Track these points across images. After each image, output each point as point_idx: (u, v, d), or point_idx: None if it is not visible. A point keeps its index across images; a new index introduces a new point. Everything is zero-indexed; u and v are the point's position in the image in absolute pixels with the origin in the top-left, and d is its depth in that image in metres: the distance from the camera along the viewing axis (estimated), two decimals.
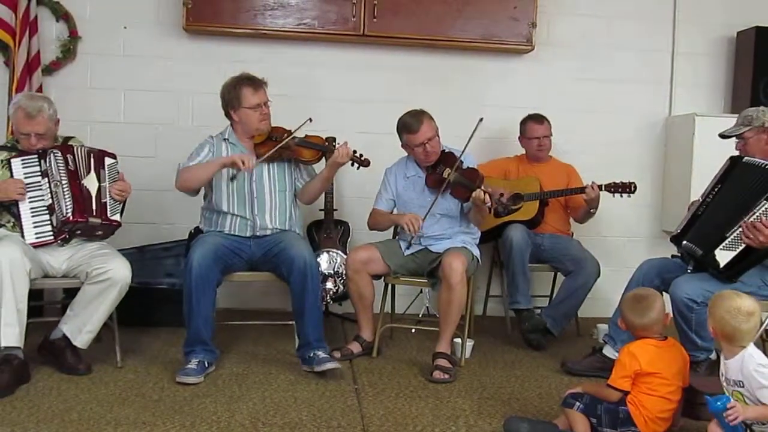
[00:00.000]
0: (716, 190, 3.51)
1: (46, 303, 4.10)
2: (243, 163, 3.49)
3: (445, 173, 3.76)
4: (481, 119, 3.72)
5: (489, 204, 3.59)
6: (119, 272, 3.37)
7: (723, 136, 3.58)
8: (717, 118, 4.57)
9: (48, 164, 3.41)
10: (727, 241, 3.27)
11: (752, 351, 2.51)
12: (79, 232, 3.46)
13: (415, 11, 4.64)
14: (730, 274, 3.30)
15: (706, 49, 5.12)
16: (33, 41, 4.40)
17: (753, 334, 2.54)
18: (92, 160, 3.54)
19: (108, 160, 3.60)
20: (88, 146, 3.61)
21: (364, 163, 3.77)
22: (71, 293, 3.53)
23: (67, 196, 3.40)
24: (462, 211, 3.87)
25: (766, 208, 3.20)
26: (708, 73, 5.14)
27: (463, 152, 3.77)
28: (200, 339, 3.48)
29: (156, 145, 4.70)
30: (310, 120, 3.68)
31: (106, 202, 3.51)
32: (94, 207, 3.46)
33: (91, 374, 3.41)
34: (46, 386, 3.25)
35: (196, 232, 3.88)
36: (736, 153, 3.55)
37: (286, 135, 3.71)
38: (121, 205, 3.60)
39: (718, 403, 2.45)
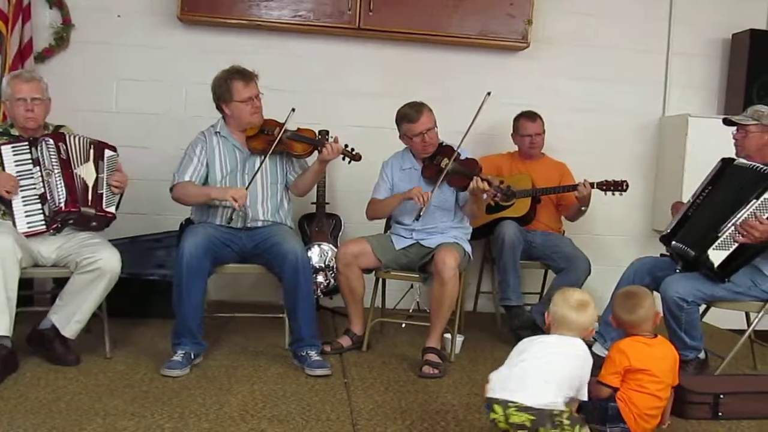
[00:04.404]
0: (707, 191, 3.53)
1: (35, 293, 4.08)
2: (235, 200, 3.49)
3: (442, 163, 3.76)
4: (488, 93, 3.73)
5: (488, 191, 3.58)
6: (109, 262, 3.36)
7: (728, 121, 3.58)
8: (710, 120, 4.59)
9: (39, 152, 3.38)
10: (719, 241, 3.30)
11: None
12: (71, 221, 3.43)
13: (411, 6, 4.63)
14: (724, 274, 3.32)
15: (700, 50, 5.14)
16: (26, 28, 4.36)
17: (582, 328, 2.53)
18: (92, 150, 3.52)
19: (108, 152, 3.58)
20: (89, 137, 3.58)
21: (356, 157, 3.75)
22: (61, 283, 3.50)
23: (59, 186, 3.37)
24: (457, 204, 3.87)
25: (756, 206, 3.24)
26: (702, 75, 5.16)
27: (466, 133, 3.75)
28: (188, 329, 3.46)
29: (149, 135, 4.67)
30: (293, 110, 3.66)
31: (102, 194, 3.49)
32: (90, 198, 3.44)
33: (79, 365, 3.40)
34: (34, 376, 3.23)
35: (188, 223, 3.87)
36: (728, 155, 3.57)
37: (277, 128, 3.70)
38: (118, 197, 3.59)
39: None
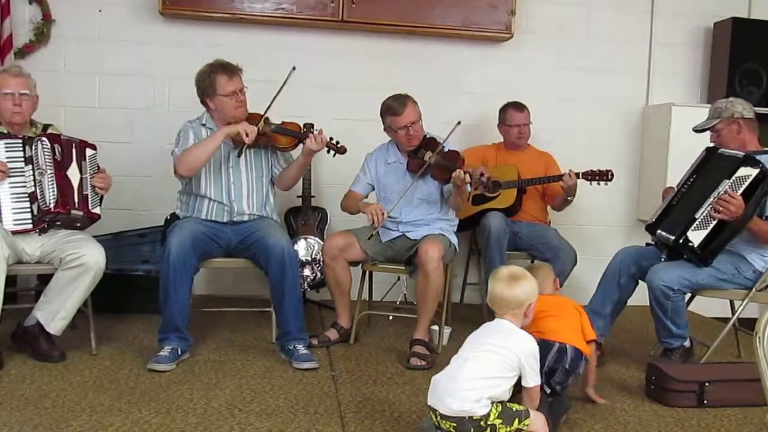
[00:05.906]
0: (691, 180, 3.55)
1: (19, 289, 4.05)
2: (247, 134, 3.44)
3: (426, 156, 3.76)
4: (458, 123, 3.76)
5: (469, 183, 3.58)
6: (93, 258, 3.33)
7: (697, 130, 3.65)
8: (693, 108, 4.63)
9: (34, 151, 3.34)
10: (697, 222, 3.34)
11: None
12: (58, 223, 3.41)
13: None
14: (705, 255, 3.35)
15: (683, 39, 5.16)
16: (5, 24, 4.33)
17: (517, 303, 2.53)
18: (74, 150, 3.48)
19: (89, 151, 3.55)
20: (69, 135, 3.54)
21: (340, 150, 3.75)
22: (45, 279, 3.48)
23: (51, 186, 3.34)
24: (442, 196, 3.87)
25: (729, 185, 3.30)
26: (685, 63, 5.18)
27: (445, 140, 3.78)
28: (175, 326, 3.45)
29: (132, 130, 4.65)
30: (294, 69, 3.64)
31: (87, 195, 3.47)
32: (76, 199, 3.41)
33: (65, 361, 3.38)
34: (19, 373, 3.20)
35: (172, 218, 3.85)
36: (712, 144, 3.59)
37: (261, 120, 3.69)
38: (100, 196, 3.56)
39: None
